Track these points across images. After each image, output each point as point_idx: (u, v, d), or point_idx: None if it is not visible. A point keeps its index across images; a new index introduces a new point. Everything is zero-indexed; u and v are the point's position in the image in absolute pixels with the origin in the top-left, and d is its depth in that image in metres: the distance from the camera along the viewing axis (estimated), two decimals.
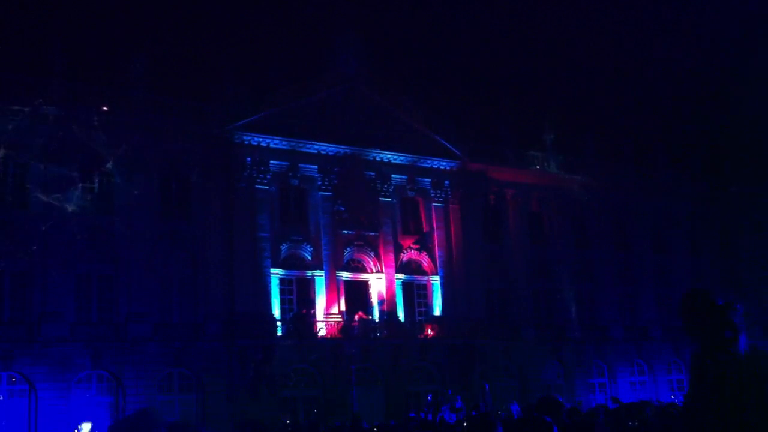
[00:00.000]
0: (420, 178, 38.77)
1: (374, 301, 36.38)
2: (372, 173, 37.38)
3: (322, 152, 36.06)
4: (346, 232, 36.33)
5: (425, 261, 38.42)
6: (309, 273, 35.28)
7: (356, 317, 35.14)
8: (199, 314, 32.31)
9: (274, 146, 35.02)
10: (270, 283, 33.84)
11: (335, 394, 33.36)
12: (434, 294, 38.18)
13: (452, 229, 39.06)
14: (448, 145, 39.12)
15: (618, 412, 13.73)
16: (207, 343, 31.79)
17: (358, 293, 36.29)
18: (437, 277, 38.23)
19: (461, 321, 37.08)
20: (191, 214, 33.52)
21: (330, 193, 36.17)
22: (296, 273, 35.19)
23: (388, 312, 36.07)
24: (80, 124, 31.13)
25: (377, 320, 35.72)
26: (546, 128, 44.30)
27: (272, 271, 34.06)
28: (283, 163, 35.37)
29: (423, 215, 39.08)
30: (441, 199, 39.08)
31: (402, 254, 37.77)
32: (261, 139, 34.63)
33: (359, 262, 36.90)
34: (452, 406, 27.74)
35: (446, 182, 39.14)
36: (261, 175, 34.62)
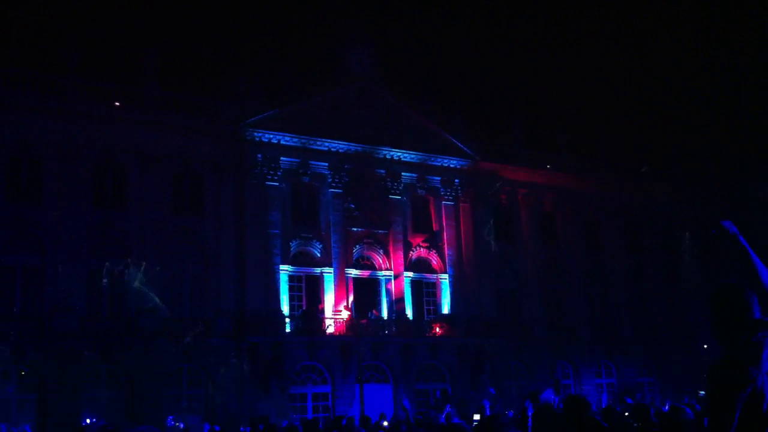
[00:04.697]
0: (430, 177, 38.71)
1: (383, 298, 36.39)
2: (383, 171, 37.38)
3: (333, 150, 36.07)
4: (356, 229, 36.35)
5: (435, 259, 38.37)
6: (318, 270, 35.30)
7: (372, 314, 35.21)
8: (210, 310, 32.37)
9: (285, 143, 35.05)
10: (279, 279, 33.87)
11: (344, 391, 33.40)
12: (443, 292, 38.12)
13: (462, 227, 38.99)
14: (459, 143, 39.04)
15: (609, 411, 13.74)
16: (217, 340, 31.83)
17: (367, 291, 36.30)
18: (446, 276, 38.16)
19: (471, 320, 37.01)
20: (203, 211, 33.63)
21: (340, 191, 36.17)
22: (306, 270, 35.24)
23: (397, 310, 36.08)
24: (93, 120, 31.36)
25: (386, 318, 35.73)
26: (558, 128, 44.28)
27: (282, 267, 34.10)
28: (294, 160, 35.40)
29: (433, 213, 39.02)
30: (451, 198, 39.01)
31: (411, 252, 37.74)
32: (272, 136, 34.67)
33: (369, 259, 36.90)
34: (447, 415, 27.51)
35: (456, 181, 39.07)
36: (272, 172, 34.66)
